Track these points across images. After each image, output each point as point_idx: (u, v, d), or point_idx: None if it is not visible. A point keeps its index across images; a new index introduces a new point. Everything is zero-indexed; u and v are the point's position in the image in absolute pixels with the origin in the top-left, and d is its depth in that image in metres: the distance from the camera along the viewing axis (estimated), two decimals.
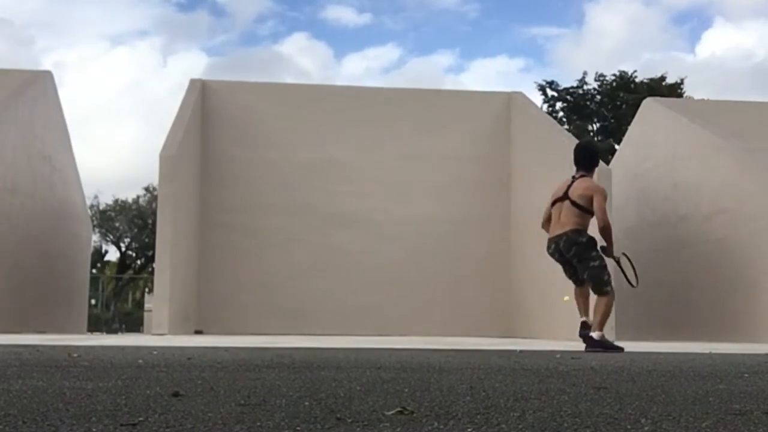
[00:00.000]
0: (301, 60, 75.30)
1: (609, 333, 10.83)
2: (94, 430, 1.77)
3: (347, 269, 14.26)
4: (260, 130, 14.65)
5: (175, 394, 2.48)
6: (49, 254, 15.59)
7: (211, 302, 13.86)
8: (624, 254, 6.99)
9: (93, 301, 31.62)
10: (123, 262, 44.28)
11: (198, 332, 13.27)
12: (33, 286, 14.61)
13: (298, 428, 1.82)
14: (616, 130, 31.17)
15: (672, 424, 1.93)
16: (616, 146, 24.87)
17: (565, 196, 6.68)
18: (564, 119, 32.56)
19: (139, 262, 45.05)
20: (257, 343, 7.06)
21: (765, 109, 15.53)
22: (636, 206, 14.56)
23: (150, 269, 37.95)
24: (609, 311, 6.63)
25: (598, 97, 33.41)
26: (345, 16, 78.64)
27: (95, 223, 36.64)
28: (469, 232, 14.59)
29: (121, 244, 44.19)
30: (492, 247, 14.56)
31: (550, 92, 33.36)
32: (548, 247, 6.84)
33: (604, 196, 6.65)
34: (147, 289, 37.24)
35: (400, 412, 2.08)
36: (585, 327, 6.66)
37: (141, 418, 1.94)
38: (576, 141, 13.48)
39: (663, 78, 32.78)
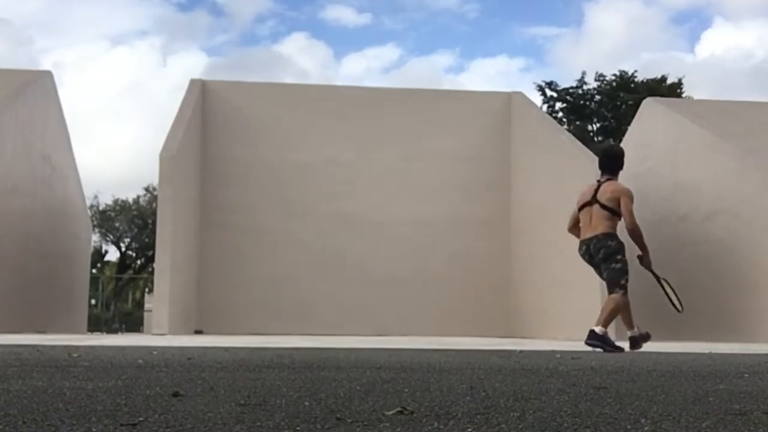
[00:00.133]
0: (301, 60, 75.34)
1: (610, 333, 10.85)
2: (94, 430, 1.77)
3: (347, 269, 14.26)
4: (260, 130, 14.65)
5: (175, 394, 2.48)
6: (49, 254, 15.59)
7: (211, 302, 13.86)
8: (665, 280, 7.09)
9: (93, 301, 31.63)
10: (123, 262, 44.28)
11: (198, 332, 13.27)
12: (33, 286, 14.61)
13: (298, 428, 1.82)
14: (616, 130, 31.16)
15: (672, 424, 1.93)
16: None
17: (593, 200, 6.82)
18: (564, 120, 32.55)
19: (139, 262, 45.06)
20: (257, 343, 7.06)
21: (765, 109, 15.52)
22: (636, 206, 14.51)
23: (150, 269, 37.95)
24: (617, 312, 6.69)
25: (598, 97, 33.40)
26: (345, 16, 78.69)
27: (95, 223, 36.64)
28: (469, 232, 14.59)
29: (121, 244, 44.21)
30: (492, 247, 14.56)
31: (549, 92, 33.36)
32: (579, 249, 7.01)
33: (631, 198, 6.80)
34: (147, 289, 37.26)
35: (400, 412, 2.08)
36: (634, 341, 6.69)
37: (141, 418, 1.94)
38: (574, 141, 13.50)
39: (664, 79, 32.77)
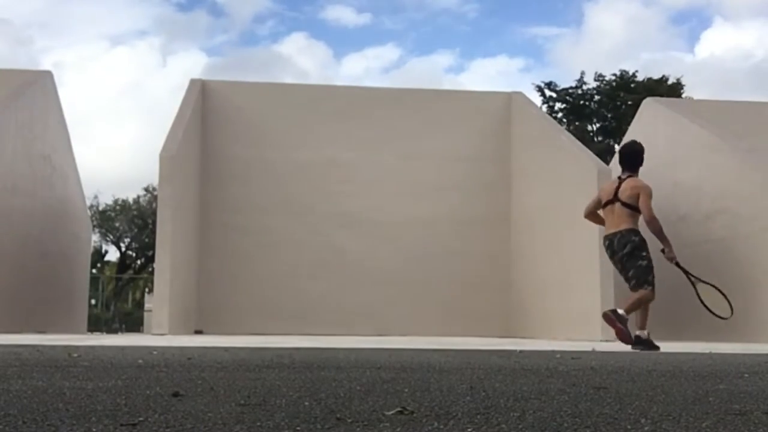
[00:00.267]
0: (301, 60, 75.37)
1: (609, 333, 10.85)
2: (94, 430, 1.77)
3: (347, 269, 14.26)
4: (260, 130, 14.65)
5: (175, 394, 2.48)
6: (49, 254, 15.59)
7: (211, 302, 13.87)
8: (713, 285, 7.22)
9: (93, 301, 31.63)
10: (123, 262, 44.28)
11: (198, 332, 13.27)
12: (33, 286, 14.61)
13: (298, 428, 1.82)
14: (616, 130, 31.16)
15: (672, 424, 1.93)
16: (616, 146, 24.86)
17: (615, 198, 7.00)
18: (563, 120, 32.53)
19: (139, 262, 45.06)
20: (257, 343, 7.06)
21: (765, 109, 15.52)
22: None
23: (150, 269, 37.95)
24: (640, 304, 6.83)
25: (597, 97, 33.39)
26: (344, 16, 78.71)
27: (95, 223, 36.64)
28: (469, 232, 14.59)
29: (121, 244, 44.21)
30: (492, 247, 14.56)
31: (548, 93, 33.35)
32: (603, 242, 7.22)
33: (649, 194, 6.92)
34: (147, 289, 37.26)
35: (400, 412, 2.08)
36: (638, 342, 6.83)
37: (141, 418, 1.94)
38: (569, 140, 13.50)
39: (665, 79, 32.74)
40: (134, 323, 36.82)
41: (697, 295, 7.14)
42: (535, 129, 14.23)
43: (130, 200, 43.34)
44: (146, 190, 42.31)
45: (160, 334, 10.66)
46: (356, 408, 2.18)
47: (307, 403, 2.28)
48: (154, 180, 34.71)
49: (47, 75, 15.97)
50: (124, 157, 65.01)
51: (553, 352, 6.11)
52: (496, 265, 14.50)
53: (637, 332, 6.88)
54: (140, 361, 4.29)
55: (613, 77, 33.29)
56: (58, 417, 1.95)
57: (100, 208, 42.25)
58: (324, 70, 74.59)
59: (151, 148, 49.88)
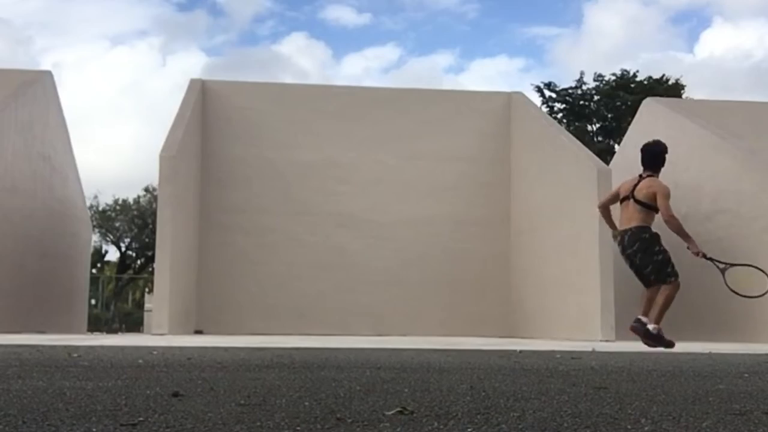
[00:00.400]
0: (300, 60, 75.28)
1: (609, 333, 10.86)
2: (94, 430, 1.77)
3: (347, 269, 14.26)
4: (260, 130, 14.65)
5: (175, 394, 2.48)
6: (49, 254, 15.59)
7: (211, 302, 13.87)
8: (749, 265, 7.41)
9: (93, 301, 31.63)
10: (123, 262, 44.26)
11: (198, 332, 13.27)
12: (33, 286, 14.61)
13: (298, 428, 1.82)
14: (615, 130, 31.16)
15: (672, 424, 1.93)
16: (616, 146, 24.88)
17: (631, 195, 7.11)
18: (563, 120, 32.52)
19: (139, 262, 45.04)
20: (257, 343, 7.06)
21: (765, 109, 15.52)
22: None
23: (150, 269, 37.95)
24: (668, 304, 6.94)
25: (597, 97, 33.38)
26: (344, 16, 78.63)
27: (95, 223, 36.64)
28: (469, 232, 14.59)
29: (121, 244, 44.19)
30: (492, 247, 14.56)
31: (548, 93, 33.33)
32: (614, 238, 7.29)
33: (666, 195, 7.06)
34: (147, 289, 37.25)
35: (400, 412, 2.08)
36: (637, 321, 6.99)
37: (141, 418, 1.94)
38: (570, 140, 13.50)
39: (666, 80, 32.73)
40: (134, 323, 36.81)
41: (725, 283, 7.25)
42: (535, 129, 14.23)
43: (130, 200, 43.35)
44: (146, 190, 42.32)
45: (160, 334, 10.66)
46: (356, 408, 2.18)
47: (307, 403, 2.28)
48: (154, 180, 34.73)
49: (47, 75, 15.97)
50: (124, 157, 64.98)
51: (553, 352, 6.12)
52: (496, 265, 14.50)
53: (642, 318, 6.99)
54: (140, 361, 4.29)
55: (613, 77, 33.28)
56: (58, 417, 1.95)
57: (100, 208, 42.25)
58: (324, 70, 74.58)
59: (151, 148, 49.88)
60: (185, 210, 12.68)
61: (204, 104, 14.56)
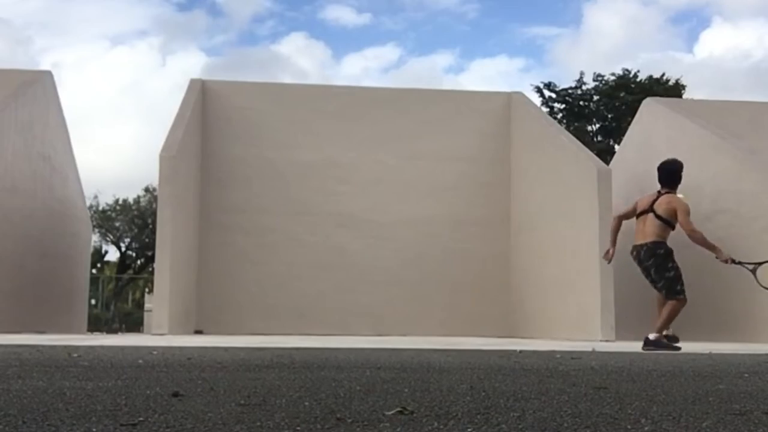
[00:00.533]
0: (300, 60, 75.27)
1: (609, 333, 10.86)
2: (94, 430, 1.77)
3: (347, 269, 14.26)
4: (260, 130, 14.65)
5: (175, 394, 2.48)
6: (49, 254, 15.59)
7: (211, 302, 13.86)
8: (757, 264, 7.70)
9: (93, 301, 31.63)
10: (123, 262, 44.26)
11: (198, 332, 13.27)
12: (33, 287, 14.61)
13: (298, 428, 1.82)
14: (615, 130, 31.15)
15: (672, 424, 1.93)
16: (616, 146, 24.87)
17: (650, 209, 7.39)
18: (563, 121, 32.52)
19: (139, 262, 45.04)
20: (257, 343, 7.06)
21: (765, 109, 15.52)
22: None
23: (150, 269, 37.94)
24: (673, 316, 7.21)
25: (597, 97, 33.37)
26: (344, 16, 78.63)
27: (95, 223, 36.63)
28: (469, 232, 14.59)
29: (121, 244, 44.19)
30: (492, 247, 14.56)
31: (547, 93, 33.32)
32: (631, 252, 7.53)
33: (687, 212, 7.37)
34: (147, 289, 37.23)
35: (400, 412, 2.08)
36: (671, 339, 7.25)
37: (141, 418, 1.94)
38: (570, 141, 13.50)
39: (666, 80, 32.71)
40: (134, 323, 36.79)
41: (759, 283, 7.62)
42: (535, 129, 14.23)
43: (130, 200, 43.34)
44: (146, 190, 42.30)
45: (160, 334, 10.66)
46: (356, 408, 2.18)
47: (307, 403, 2.28)
48: (154, 180, 34.70)
49: (47, 75, 15.97)
50: (124, 157, 64.95)
51: (553, 352, 6.12)
52: (496, 265, 14.50)
53: (650, 335, 7.18)
54: (140, 361, 4.29)
55: (613, 77, 33.28)
56: (58, 417, 1.95)
57: (100, 208, 42.24)
58: (323, 70, 74.56)
59: (151, 148, 49.82)
60: (185, 210, 12.68)
61: (204, 104, 14.56)
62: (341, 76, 79.94)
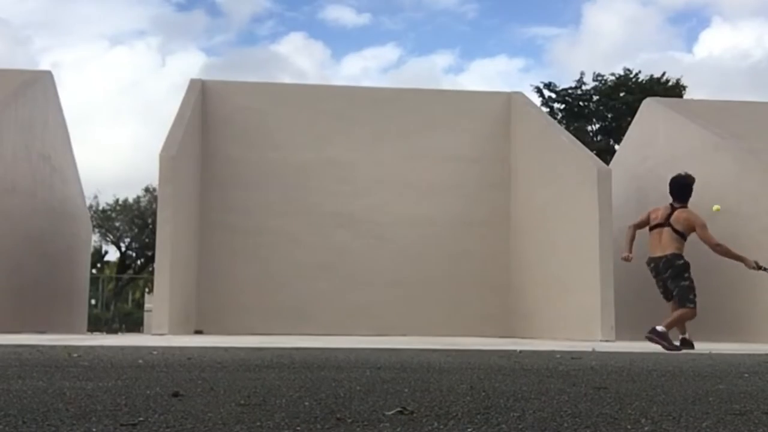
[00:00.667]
0: (299, 60, 75.25)
1: (609, 333, 10.86)
2: (94, 430, 1.77)
3: (347, 269, 14.26)
4: (260, 130, 14.65)
5: (175, 394, 2.48)
6: (49, 254, 15.59)
7: (211, 302, 13.86)
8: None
9: (93, 301, 31.62)
10: (123, 262, 44.26)
11: (198, 332, 13.27)
12: (33, 286, 14.61)
13: (298, 428, 1.82)
14: (615, 130, 31.15)
15: (672, 424, 1.93)
16: (616, 146, 24.87)
17: (666, 223, 7.69)
18: (563, 121, 32.52)
19: (139, 262, 45.04)
20: (257, 343, 7.06)
21: (765, 109, 15.52)
22: (636, 206, 14.53)
23: (150, 269, 37.93)
24: (682, 320, 7.55)
25: (596, 97, 33.37)
26: (344, 16, 78.62)
27: (95, 223, 36.62)
28: (469, 232, 14.59)
29: (121, 244, 44.18)
30: (492, 247, 14.56)
31: (547, 93, 33.32)
32: (648, 264, 7.79)
33: (705, 226, 7.72)
34: (147, 289, 37.23)
35: (400, 412, 2.08)
36: (684, 343, 7.56)
37: (141, 418, 1.94)
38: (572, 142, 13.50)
39: (667, 80, 32.71)
40: (134, 323, 36.78)
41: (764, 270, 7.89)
42: (535, 129, 14.23)
43: (130, 200, 43.33)
44: (146, 190, 42.29)
45: (160, 334, 10.66)
46: (356, 408, 2.18)
47: (307, 403, 2.28)
48: (154, 180, 34.65)
49: (47, 75, 15.97)
50: (124, 157, 64.93)
51: (553, 352, 6.12)
52: (496, 265, 14.50)
53: (681, 336, 7.58)
54: (140, 361, 4.29)
55: (613, 77, 33.28)
56: (58, 417, 1.95)
57: (100, 208, 42.23)
58: (322, 70, 74.55)
59: (151, 148, 49.82)
60: (185, 210, 12.68)
61: (204, 104, 14.56)
62: (340, 76, 79.95)
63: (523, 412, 2.12)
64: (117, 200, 43.30)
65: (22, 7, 71.64)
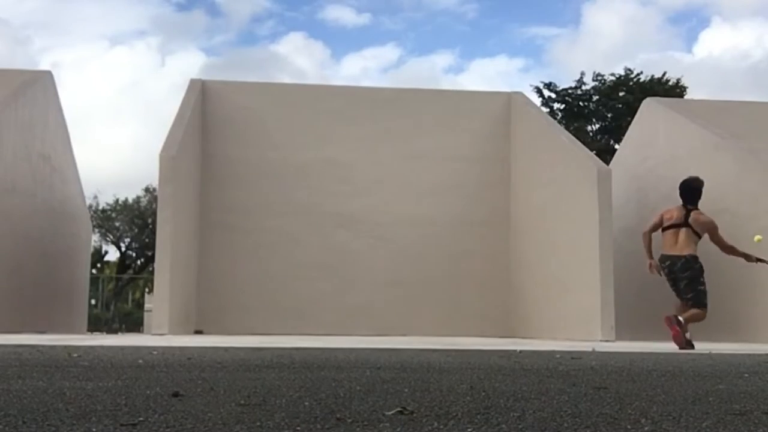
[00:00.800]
0: (298, 60, 75.30)
1: (609, 333, 10.86)
2: (94, 430, 1.77)
3: (347, 269, 14.26)
4: (260, 130, 14.65)
5: (175, 394, 2.48)
6: (49, 254, 15.59)
7: (211, 302, 13.86)
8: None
9: (93, 301, 31.61)
10: (123, 262, 44.26)
11: (198, 332, 13.27)
12: (33, 286, 14.61)
13: (298, 428, 1.82)
14: (615, 130, 31.15)
15: (672, 424, 1.93)
16: (616, 146, 24.87)
17: (685, 224, 7.94)
18: (563, 120, 32.51)
19: (139, 262, 45.04)
20: (257, 343, 7.06)
21: (765, 109, 15.52)
22: (636, 206, 14.55)
23: (150, 269, 37.94)
24: (695, 320, 7.85)
25: (596, 97, 33.37)
26: (344, 16, 78.67)
27: (95, 223, 36.62)
28: (469, 232, 14.59)
29: (121, 244, 44.19)
30: (492, 247, 14.56)
31: (547, 93, 33.31)
32: (662, 261, 7.97)
33: (717, 228, 8.07)
34: (147, 289, 37.23)
35: (400, 412, 2.08)
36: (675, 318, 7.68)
37: (141, 418, 1.94)
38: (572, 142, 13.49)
39: (667, 80, 32.70)
40: (134, 323, 36.79)
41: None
42: (535, 129, 14.22)
43: (130, 200, 43.32)
44: (146, 190, 42.30)
45: (160, 334, 10.66)
46: (356, 408, 2.18)
47: (307, 403, 2.28)
48: (154, 180, 34.64)
49: (47, 75, 15.96)
50: (124, 157, 64.96)
51: (553, 352, 6.12)
52: (496, 265, 14.49)
53: (681, 317, 7.71)
54: (140, 361, 4.29)
55: (613, 77, 33.27)
56: (58, 417, 1.95)
57: (100, 208, 42.23)
58: (322, 70, 74.61)
59: (151, 148, 49.80)
60: (185, 210, 12.68)
61: (204, 104, 14.56)
62: (340, 76, 80.00)
63: (523, 412, 2.12)
64: (117, 200, 43.32)
65: (22, 7, 71.68)
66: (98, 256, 42.92)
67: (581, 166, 12.07)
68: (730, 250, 8.10)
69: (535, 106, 16.94)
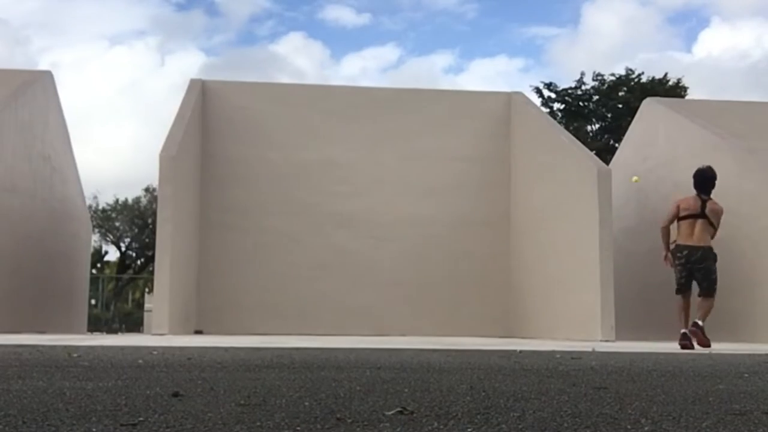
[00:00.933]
0: (298, 60, 75.31)
1: (609, 333, 10.86)
2: (94, 430, 1.77)
3: (347, 269, 14.26)
4: (260, 130, 14.65)
5: (175, 394, 2.48)
6: (49, 254, 15.59)
7: (211, 302, 13.86)
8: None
9: (93, 301, 31.61)
10: (123, 262, 44.25)
11: (198, 332, 13.27)
12: (33, 286, 14.61)
13: (298, 428, 1.82)
14: (615, 130, 31.14)
15: (672, 424, 1.93)
16: (616, 146, 24.87)
17: (702, 215, 8.03)
18: (563, 120, 32.50)
19: (139, 262, 45.04)
20: (257, 343, 7.06)
21: (765, 109, 15.52)
22: (636, 206, 14.56)
23: (150, 269, 37.94)
24: (711, 309, 7.97)
25: (596, 97, 33.35)
26: (343, 16, 78.69)
27: (95, 223, 36.62)
28: (469, 232, 14.59)
29: (121, 244, 44.18)
30: (492, 247, 14.56)
31: (547, 93, 33.30)
32: (680, 251, 8.04)
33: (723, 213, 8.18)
34: (147, 289, 37.23)
35: (400, 412, 2.08)
36: (695, 325, 7.81)
37: (141, 418, 1.94)
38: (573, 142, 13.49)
39: (667, 81, 32.69)
40: (134, 323, 36.78)
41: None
42: (535, 129, 14.22)
43: (130, 200, 43.31)
44: (146, 190, 42.28)
45: (160, 334, 10.66)
46: (356, 408, 2.18)
47: (307, 403, 2.28)
48: (154, 180, 34.62)
49: (47, 75, 15.96)
50: (124, 157, 64.95)
51: (553, 352, 6.12)
52: (496, 265, 14.49)
53: (683, 331, 7.88)
54: (140, 361, 4.29)
55: (613, 77, 33.25)
56: (58, 417, 1.95)
57: (100, 208, 42.23)
58: (322, 70, 74.62)
59: (151, 148, 49.80)
60: (185, 210, 12.68)
61: (204, 104, 14.56)
62: (340, 76, 79.99)
63: (523, 412, 2.12)
64: (117, 200, 43.31)
65: (22, 7, 71.70)
66: (98, 256, 42.92)
67: (581, 166, 12.06)
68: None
69: (535, 106, 16.94)
